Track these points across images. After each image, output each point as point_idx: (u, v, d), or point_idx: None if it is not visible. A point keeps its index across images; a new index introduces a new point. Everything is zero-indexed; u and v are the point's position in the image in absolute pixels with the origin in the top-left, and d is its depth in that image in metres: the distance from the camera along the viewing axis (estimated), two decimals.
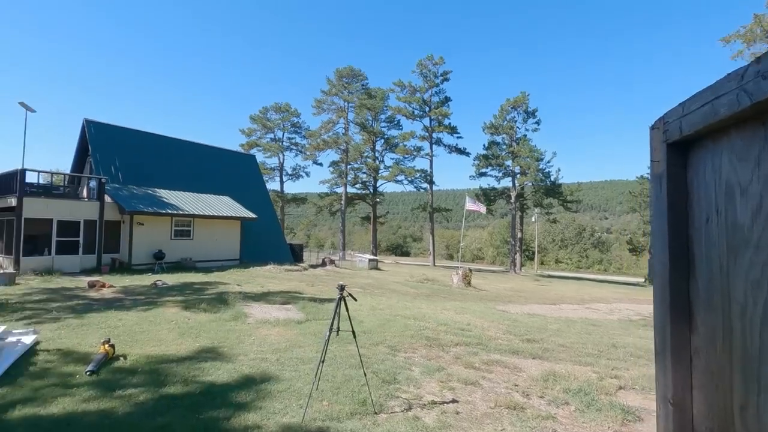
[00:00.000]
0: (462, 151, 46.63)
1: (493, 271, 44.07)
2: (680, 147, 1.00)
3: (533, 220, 53.03)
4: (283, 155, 50.61)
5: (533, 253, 59.53)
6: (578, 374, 5.68)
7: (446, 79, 45.67)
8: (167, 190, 20.32)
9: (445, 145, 46.95)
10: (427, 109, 45.79)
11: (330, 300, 11.32)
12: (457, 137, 46.40)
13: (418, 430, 3.73)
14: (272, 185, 48.86)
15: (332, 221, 72.40)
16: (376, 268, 28.89)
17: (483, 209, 26.08)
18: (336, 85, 47.21)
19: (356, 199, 49.69)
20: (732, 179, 0.84)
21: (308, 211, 61.21)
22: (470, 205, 25.72)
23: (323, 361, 4.31)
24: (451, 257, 73.29)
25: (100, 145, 20.15)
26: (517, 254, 44.64)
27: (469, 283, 20.35)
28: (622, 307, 16.20)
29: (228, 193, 23.65)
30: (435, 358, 6.24)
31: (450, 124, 45.41)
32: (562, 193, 43.10)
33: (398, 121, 49.03)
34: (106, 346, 5.61)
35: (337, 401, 4.32)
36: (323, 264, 25.67)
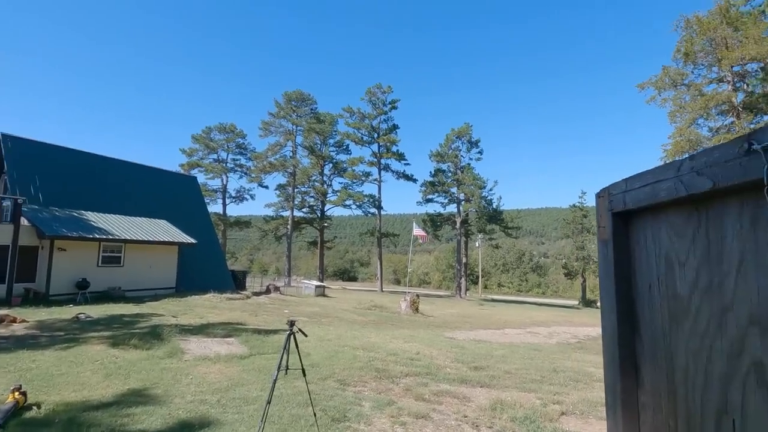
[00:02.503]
0: (409, 178, 47.81)
1: (440, 296, 44.84)
2: (623, 216, 1.09)
3: (477, 245, 55.06)
4: (227, 177, 48.98)
5: (477, 277, 61.54)
6: (523, 401, 5.84)
7: (394, 107, 47.07)
8: (96, 213, 18.73)
9: (393, 171, 47.94)
10: (376, 135, 46.72)
11: (275, 331, 10.87)
12: (405, 164, 47.65)
13: None
14: (214, 208, 46.92)
15: (277, 246, 70.37)
16: (323, 295, 28.32)
17: (424, 238, 26.75)
18: (284, 107, 46.95)
19: (303, 223, 48.90)
20: (671, 252, 0.93)
21: (252, 235, 59.18)
22: (417, 230, 26.25)
23: (269, 402, 4.09)
24: (398, 282, 73.71)
25: (17, 161, 18.29)
26: (462, 279, 45.87)
27: (416, 310, 20.50)
28: (560, 330, 17.08)
29: (165, 216, 22.26)
30: (385, 390, 6.15)
31: (398, 150, 46.60)
32: (503, 219, 45.33)
33: (347, 146, 49.54)
34: (16, 393, 4.94)
35: None
36: (267, 291, 24.71)
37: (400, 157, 46.65)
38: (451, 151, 46.52)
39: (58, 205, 17.99)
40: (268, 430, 4.35)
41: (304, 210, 48.58)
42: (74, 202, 18.81)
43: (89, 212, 18.54)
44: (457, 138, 46.30)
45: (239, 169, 49.89)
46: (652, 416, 1.01)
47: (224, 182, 48.86)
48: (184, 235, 21.05)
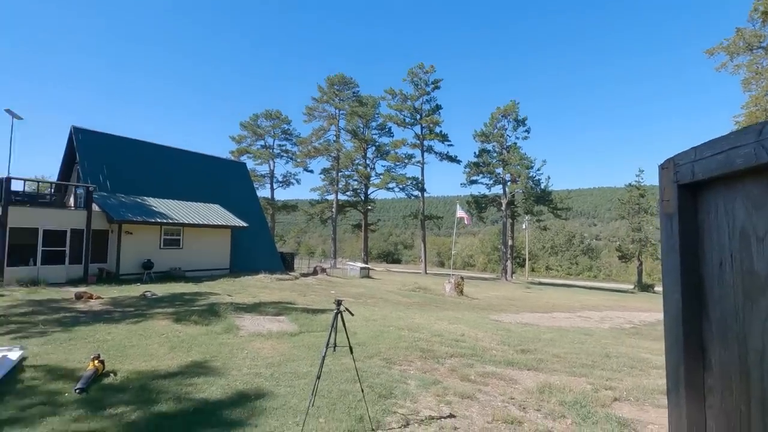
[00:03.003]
0: (453, 159, 46.98)
1: (485, 279, 44.26)
2: (691, 188, 1.01)
3: (524, 227, 53.47)
4: (274, 162, 50.48)
5: (524, 260, 59.95)
6: (573, 386, 5.70)
7: (437, 87, 46.09)
8: (156, 199, 20.07)
9: (436, 153, 47.29)
10: (418, 116, 46.10)
11: (322, 310, 11.24)
12: (448, 145, 46.82)
13: None
14: (262, 192, 48.65)
15: (323, 229, 72.13)
16: (368, 276, 28.82)
17: (468, 220, 26.28)
18: (327, 92, 47.33)
19: (347, 207, 49.65)
20: (747, 226, 0.86)
21: (299, 219, 60.99)
22: (461, 213, 25.88)
23: (319, 377, 4.26)
24: (442, 264, 73.45)
25: (88, 152, 19.87)
26: (508, 261, 44.92)
27: (461, 292, 20.39)
28: (613, 315, 16.36)
29: (218, 201, 23.43)
30: (430, 370, 6.22)
31: (441, 131, 45.81)
32: (552, 200, 43.60)
33: (389, 128, 49.32)
34: (96, 361, 5.49)
35: (333, 418, 4.27)
36: (314, 273, 25.52)
37: (443, 138, 45.86)
38: (496, 130, 45.06)
39: (124, 192, 19.44)
40: (318, 403, 4.55)
41: (348, 193, 49.26)
42: (137, 188, 20.23)
43: (151, 198, 19.89)
44: (502, 116, 44.72)
45: (285, 155, 51.22)
46: (720, 400, 0.95)
47: (271, 167, 50.45)
48: (236, 218, 22.10)
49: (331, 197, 48.02)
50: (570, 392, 5.40)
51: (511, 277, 44.72)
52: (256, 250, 24.55)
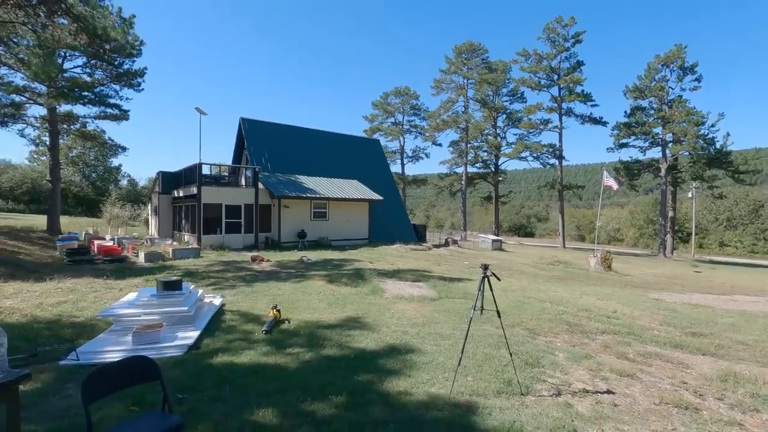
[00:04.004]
0: (597, 121, 41.68)
1: (636, 255, 39.03)
2: None
3: (689, 195, 45.04)
4: (404, 138, 51.72)
5: (688, 234, 50.77)
6: None
7: (578, 41, 40.93)
8: (306, 176, 22.59)
9: (576, 116, 42.51)
10: (556, 77, 41.82)
11: (459, 279, 11.42)
12: (592, 105, 41.51)
13: (571, 417, 3.60)
14: (394, 168, 50.46)
15: (451, 201, 72.02)
16: (500, 249, 28.01)
17: (615, 185, 23.06)
18: (455, 62, 46.07)
19: (477, 179, 48.45)
20: None
21: (428, 192, 61.84)
22: (607, 180, 23.01)
23: (467, 338, 4.40)
24: (582, 238, 66.96)
25: (253, 139, 23.28)
26: (668, 235, 38.58)
27: (609, 267, 18.42)
28: None
29: (356, 176, 25.25)
30: (579, 344, 5.88)
31: (583, 91, 40.82)
32: (731, 162, 35.52)
33: (522, 93, 45.95)
34: (274, 310, 6.60)
35: (481, 378, 4.40)
36: (446, 244, 25.84)
37: (586, 98, 40.81)
38: (654, 83, 38.19)
39: (281, 171, 22.34)
40: (465, 363, 4.72)
41: (477, 165, 47.97)
42: (291, 167, 23.04)
43: (301, 176, 22.48)
44: (663, 66, 37.59)
45: (414, 130, 52.02)
46: None
47: (402, 143, 51.86)
48: (373, 192, 23.58)
49: (460, 170, 47.40)
50: (764, 385, 4.55)
51: (671, 253, 38.40)
52: (391, 221, 25.90)
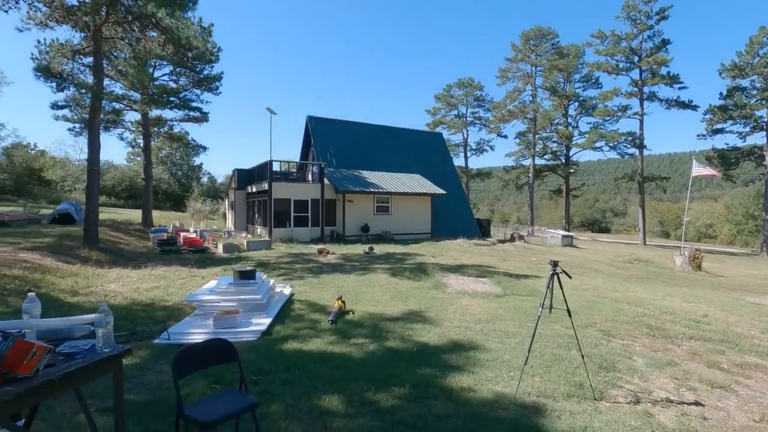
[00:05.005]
0: (686, 105, 37.61)
1: (732, 254, 34.83)
2: None
3: None
4: (467, 131, 50.55)
5: None
6: None
7: (663, 18, 37.09)
8: (369, 171, 22.97)
9: (660, 100, 38.63)
10: (636, 59, 38.29)
11: (525, 276, 10.99)
12: (680, 87, 37.46)
13: (652, 428, 3.33)
14: (457, 161, 49.55)
15: (517, 195, 69.12)
16: (571, 245, 26.45)
17: (712, 173, 20.56)
18: (522, 49, 43.98)
19: (545, 171, 46.04)
20: None
21: (492, 186, 60.11)
22: (698, 170, 20.64)
23: (534, 337, 4.24)
24: (666, 235, 61.11)
25: (319, 136, 24.14)
26: None
27: (699, 267, 16.65)
28: None
29: (418, 171, 25.19)
30: (662, 350, 5.41)
31: (669, 72, 36.98)
32: None
33: (597, 79, 42.78)
34: (340, 301, 6.82)
35: (549, 379, 4.22)
36: (512, 239, 24.95)
37: (672, 80, 36.90)
38: (757, 59, 33.53)
39: (345, 167, 22.95)
40: (532, 363, 4.54)
41: (546, 157, 45.56)
42: (354, 163, 23.58)
43: (364, 171, 22.90)
44: None
45: (478, 122, 50.61)
46: None
47: (465, 136, 50.74)
48: (435, 186, 23.39)
49: (527, 162, 45.31)
50: None
51: None
52: (454, 216, 25.54)
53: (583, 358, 4.12)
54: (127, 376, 3.97)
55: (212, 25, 19.13)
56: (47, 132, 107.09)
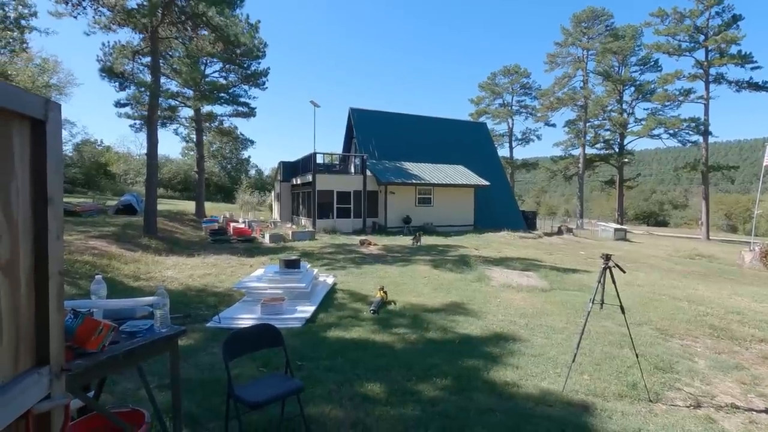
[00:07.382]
0: (760, 87, 34.23)
1: None
2: None
3: None
4: (512, 120, 48.91)
5: None
6: None
7: None
8: (411, 163, 22.86)
9: (729, 82, 35.35)
10: (702, 38, 35.23)
11: (573, 270, 10.55)
12: (753, 67, 34.11)
13: None
14: (501, 151, 48.11)
15: (565, 187, 66.15)
16: (624, 239, 25.02)
17: None
18: (572, 33, 41.76)
19: (597, 161, 43.75)
20: None
21: (538, 177, 57.93)
22: None
23: (582, 333, 4.06)
24: (734, 229, 56.25)
25: (361, 128, 24.30)
26: None
27: None
28: None
29: (461, 161, 24.73)
30: (728, 352, 5.02)
31: (740, 51, 33.75)
32: None
33: (656, 61, 39.89)
34: (381, 292, 6.87)
35: (599, 378, 4.04)
36: (559, 232, 24.00)
37: (744, 59, 33.62)
38: None
39: (387, 158, 22.97)
40: (581, 360, 4.36)
41: (597, 146, 43.26)
42: (396, 154, 23.53)
43: (406, 162, 22.81)
44: None
45: (524, 110, 48.80)
46: None
47: (510, 125, 49.15)
48: (479, 177, 22.89)
49: (577, 151, 43.23)
50: None
51: None
52: (498, 208, 24.92)
53: (637, 357, 3.90)
54: (182, 356, 4.22)
55: (259, 21, 19.61)
56: (112, 129, 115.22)
